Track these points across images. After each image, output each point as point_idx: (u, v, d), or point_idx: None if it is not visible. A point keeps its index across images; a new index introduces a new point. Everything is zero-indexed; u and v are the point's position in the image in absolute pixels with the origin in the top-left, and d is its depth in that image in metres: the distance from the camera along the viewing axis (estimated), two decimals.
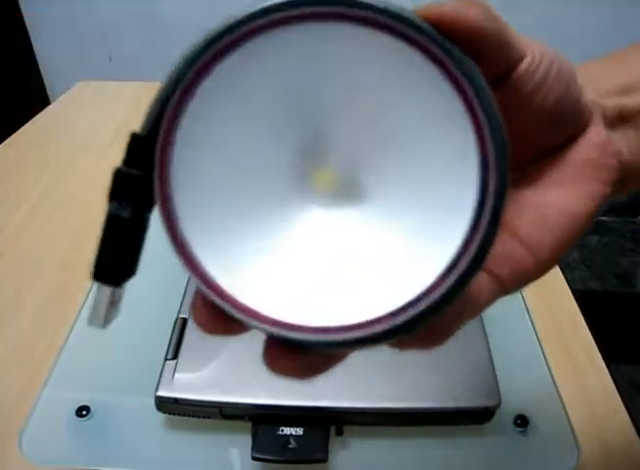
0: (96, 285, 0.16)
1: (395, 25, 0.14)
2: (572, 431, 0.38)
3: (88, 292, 0.47)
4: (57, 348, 0.43)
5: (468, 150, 0.15)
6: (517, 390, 0.39)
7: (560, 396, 0.40)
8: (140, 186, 0.15)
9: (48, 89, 1.54)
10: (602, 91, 0.20)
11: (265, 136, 0.16)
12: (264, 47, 0.14)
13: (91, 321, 0.16)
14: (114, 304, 0.16)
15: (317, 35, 0.14)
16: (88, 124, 0.79)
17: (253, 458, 0.34)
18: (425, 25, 0.14)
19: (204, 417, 0.37)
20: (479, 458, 0.37)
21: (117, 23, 1.42)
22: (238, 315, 0.15)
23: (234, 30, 0.14)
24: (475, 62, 0.15)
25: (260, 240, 0.16)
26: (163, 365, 0.37)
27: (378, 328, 0.15)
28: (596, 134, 0.19)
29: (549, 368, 0.42)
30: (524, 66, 0.17)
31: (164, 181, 0.15)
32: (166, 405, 0.37)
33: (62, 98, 0.86)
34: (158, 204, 0.15)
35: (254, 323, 0.15)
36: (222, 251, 0.15)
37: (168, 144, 0.15)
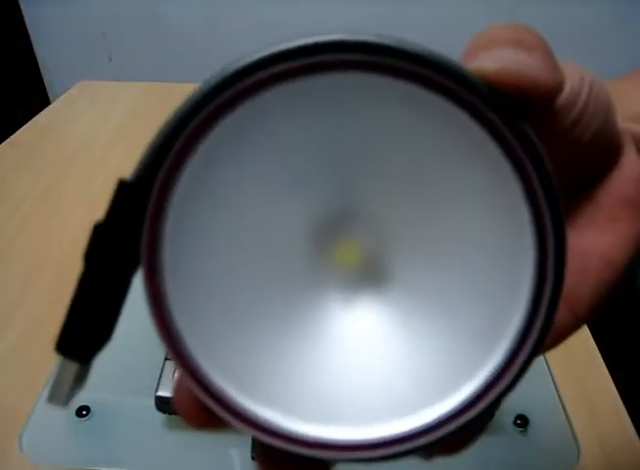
0: (60, 359, 0.13)
1: (443, 83, 0.11)
2: (572, 431, 0.38)
3: None
4: None
5: (523, 241, 0.12)
6: (517, 390, 0.39)
7: (560, 396, 0.40)
8: (123, 246, 0.12)
9: (48, 89, 1.54)
10: (631, 114, 0.18)
11: (279, 202, 0.13)
12: (284, 97, 0.12)
13: (51, 399, 0.14)
14: (79, 380, 0.14)
15: (345, 87, 0.12)
16: (88, 124, 0.79)
17: (253, 458, 0.34)
18: (483, 87, 0.12)
19: None
20: (478, 458, 0.37)
21: (117, 23, 1.42)
22: (243, 430, 0.12)
23: (248, 76, 0.11)
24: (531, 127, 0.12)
25: (263, 332, 0.13)
26: (163, 365, 0.37)
27: (406, 445, 0.13)
28: (630, 166, 0.17)
29: (549, 368, 0.42)
30: (563, 98, 0.14)
31: (153, 249, 0.12)
32: (166, 405, 0.37)
33: (62, 98, 0.86)
34: (143, 277, 0.12)
35: (265, 439, 0.12)
36: (218, 343, 0.13)
37: (162, 204, 0.12)
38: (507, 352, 0.12)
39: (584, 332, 0.47)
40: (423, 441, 0.12)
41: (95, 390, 0.40)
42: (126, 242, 0.12)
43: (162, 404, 0.37)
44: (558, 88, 0.14)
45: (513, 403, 0.39)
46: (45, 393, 0.39)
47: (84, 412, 0.38)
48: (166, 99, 0.85)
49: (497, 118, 0.12)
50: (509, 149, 0.12)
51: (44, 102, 1.45)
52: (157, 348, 0.38)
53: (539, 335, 0.12)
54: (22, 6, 1.40)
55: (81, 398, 0.39)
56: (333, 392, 0.13)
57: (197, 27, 1.40)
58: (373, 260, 0.13)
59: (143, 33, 1.42)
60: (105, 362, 0.46)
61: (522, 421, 0.38)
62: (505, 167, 0.12)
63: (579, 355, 0.45)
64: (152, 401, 0.37)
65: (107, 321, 0.13)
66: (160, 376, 0.37)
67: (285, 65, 0.11)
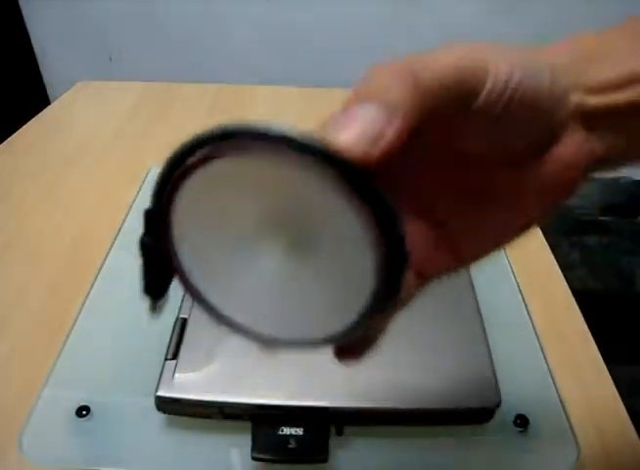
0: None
1: (307, 158, 0.15)
2: (572, 431, 0.38)
3: (88, 292, 0.47)
4: (57, 348, 0.43)
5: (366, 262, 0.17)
6: (517, 390, 0.39)
7: (560, 396, 0.40)
8: (158, 246, 0.20)
9: (48, 89, 1.54)
10: (585, 87, 0.18)
11: (235, 223, 0.19)
12: (218, 170, 0.17)
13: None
14: (160, 304, 0.22)
15: (243, 166, 0.17)
16: (88, 124, 0.79)
17: (253, 458, 0.34)
18: (334, 159, 0.15)
19: (204, 417, 0.37)
20: (479, 458, 0.37)
21: (117, 23, 1.42)
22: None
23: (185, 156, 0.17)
24: (381, 190, 0.15)
25: (231, 266, 0.20)
26: (163, 365, 0.38)
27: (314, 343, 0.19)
28: (569, 146, 0.18)
29: (549, 368, 0.42)
30: (482, 98, 0.16)
31: (170, 241, 0.20)
32: (166, 405, 0.37)
33: (62, 98, 0.86)
34: (168, 258, 0.20)
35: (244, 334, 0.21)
36: (209, 272, 0.21)
37: (168, 220, 0.19)
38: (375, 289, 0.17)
39: (584, 332, 0.47)
40: (322, 343, 0.19)
41: (95, 390, 0.40)
42: (159, 244, 0.20)
43: (162, 404, 0.37)
44: (369, 159, 0.15)
45: (513, 403, 0.39)
46: (45, 393, 0.40)
47: (84, 412, 0.38)
48: (166, 99, 0.85)
49: (342, 182, 0.15)
50: (358, 211, 0.16)
51: (44, 102, 1.46)
52: (157, 348, 0.39)
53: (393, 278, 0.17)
54: (22, 6, 1.40)
55: (81, 398, 0.39)
56: (265, 304, 0.20)
57: (197, 27, 1.40)
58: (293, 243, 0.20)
59: (143, 33, 1.42)
60: (105, 362, 0.46)
61: (522, 421, 0.38)
62: (353, 216, 0.16)
63: (579, 355, 0.45)
64: (152, 401, 0.37)
65: (163, 283, 0.21)
66: (161, 376, 0.37)
67: (193, 158, 0.17)
